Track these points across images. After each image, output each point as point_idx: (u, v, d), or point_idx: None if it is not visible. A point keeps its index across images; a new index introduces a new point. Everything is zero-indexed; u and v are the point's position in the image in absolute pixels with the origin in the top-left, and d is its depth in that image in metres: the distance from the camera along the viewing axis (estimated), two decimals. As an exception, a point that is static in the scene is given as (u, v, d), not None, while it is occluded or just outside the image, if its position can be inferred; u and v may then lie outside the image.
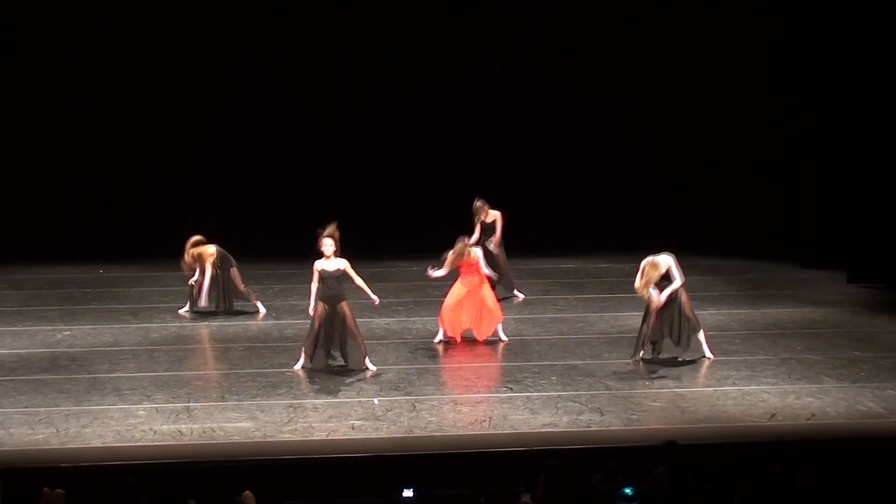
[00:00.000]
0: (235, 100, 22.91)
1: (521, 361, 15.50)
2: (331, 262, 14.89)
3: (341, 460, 12.11)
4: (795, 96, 21.63)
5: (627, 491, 9.63)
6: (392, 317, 17.64)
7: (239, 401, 13.90)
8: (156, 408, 13.63)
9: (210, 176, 22.82)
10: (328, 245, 14.85)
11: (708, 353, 15.44)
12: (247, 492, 10.19)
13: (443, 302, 16.30)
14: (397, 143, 23.20)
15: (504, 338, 16.31)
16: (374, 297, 15.15)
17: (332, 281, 14.88)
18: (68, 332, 17.08)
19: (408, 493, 10.11)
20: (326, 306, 14.90)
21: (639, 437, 12.57)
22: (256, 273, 20.33)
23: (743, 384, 14.45)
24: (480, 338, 16.25)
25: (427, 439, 12.72)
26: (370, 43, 23.16)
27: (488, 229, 18.64)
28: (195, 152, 23.06)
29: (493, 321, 16.31)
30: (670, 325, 15.26)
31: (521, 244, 19.94)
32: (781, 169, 22.08)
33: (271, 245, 21.66)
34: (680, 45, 22.82)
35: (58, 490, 10.12)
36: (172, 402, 13.78)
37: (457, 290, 16.22)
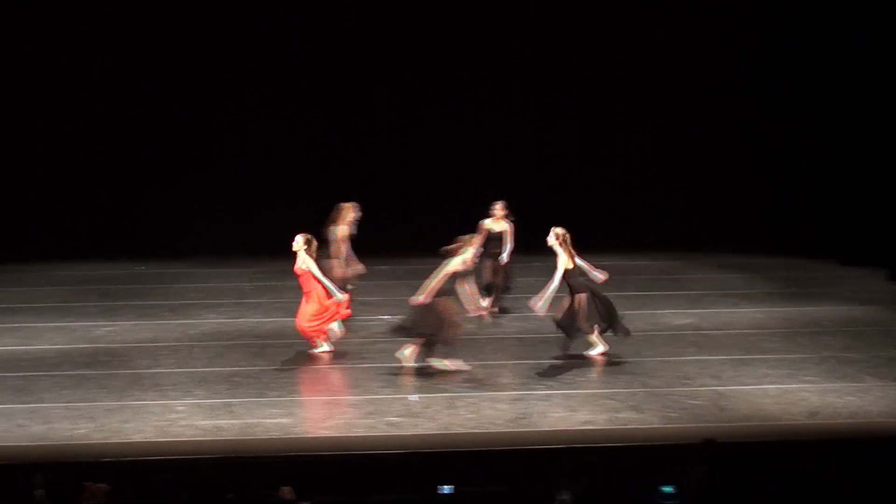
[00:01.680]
0: (267, 96, 23.01)
1: (559, 359, 15.49)
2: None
3: (379, 456, 12.14)
4: (830, 91, 21.54)
5: (667, 489, 9.62)
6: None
7: (278, 397, 13.95)
8: (196, 403, 13.70)
9: (246, 175, 22.92)
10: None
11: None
12: (285, 487, 10.24)
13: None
14: (432, 142, 23.25)
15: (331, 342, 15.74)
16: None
17: None
18: (109, 328, 17.18)
19: (446, 489, 10.12)
20: None
21: (677, 435, 12.53)
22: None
23: (782, 382, 14.40)
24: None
25: (465, 436, 12.73)
26: (398, 40, 23.23)
27: (495, 238, 17.51)
28: (235, 150, 23.15)
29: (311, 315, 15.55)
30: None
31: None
32: (821, 165, 21.98)
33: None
34: (705, 43, 22.74)
35: (100, 484, 10.19)
36: (212, 398, 13.85)
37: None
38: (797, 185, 22.38)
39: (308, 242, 15.56)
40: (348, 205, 17.16)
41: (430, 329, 14.64)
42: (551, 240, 15.25)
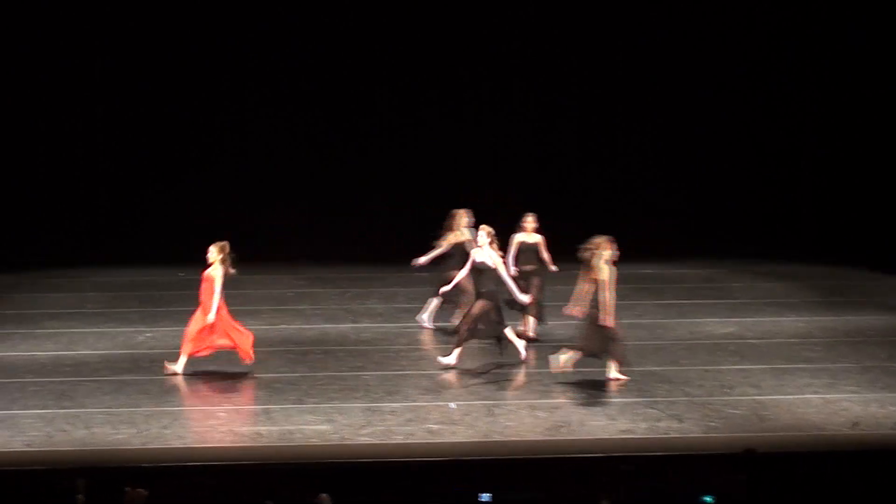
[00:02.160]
0: (308, 106, 23.10)
1: (599, 367, 15.43)
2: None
3: (418, 464, 12.14)
4: (871, 94, 21.46)
5: (707, 499, 9.58)
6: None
7: (317, 403, 13.97)
8: (235, 409, 13.74)
9: (283, 182, 23.00)
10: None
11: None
12: (323, 494, 10.25)
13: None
14: (468, 150, 23.30)
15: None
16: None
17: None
18: (149, 334, 17.26)
19: (485, 497, 10.10)
20: None
21: (718, 444, 12.48)
22: (335, 277, 20.47)
23: (824, 392, 14.30)
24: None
25: (504, 444, 12.72)
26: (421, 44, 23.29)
27: (527, 251, 16.61)
28: (272, 160, 23.24)
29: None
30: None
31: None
32: (867, 174, 21.87)
33: (350, 249, 21.76)
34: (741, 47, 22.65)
35: (139, 489, 10.23)
36: (252, 404, 13.88)
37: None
38: (844, 194, 22.27)
39: (222, 251, 15.19)
40: (461, 211, 16.76)
41: (600, 347, 14.62)
42: (482, 239, 15.07)
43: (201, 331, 14.89)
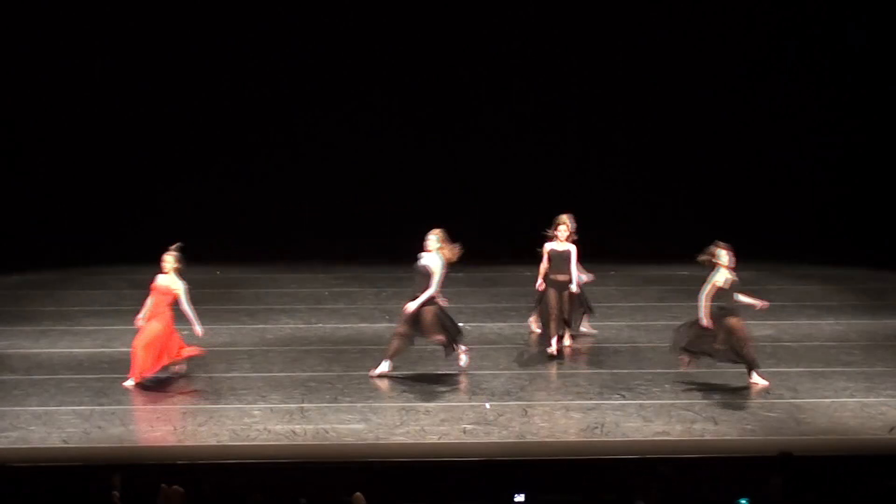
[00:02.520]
0: (348, 105, 23.15)
1: (634, 368, 15.41)
2: None
3: (452, 464, 12.14)
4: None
5: (743, 502, 9.55)
6: (505, 321, 17.63)
7: (352, 402, 14.00)
8: (270, 408, 13.78)
9: (321, 181, 23.04)
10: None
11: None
12: (357, 493, 10.27)
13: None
14: (506, 146, 23.26)
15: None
16: None
17: None
18: (185, 332, 17.29)
19: (520, 498, 10.10)
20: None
21: (754, 447, 12.44)
22: (370, 276, 20.50)
23: (862, 396, 14.22)
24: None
25: (539, 445, 12.72)
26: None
27: (557, 259, 15.71)
28: (311, 159, 23.29)
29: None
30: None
31: (637, 251, 19.86)
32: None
33: (384, 248, 21.77)
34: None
35: (175, 487, 10.28)
36: (287, 403, 13.93)
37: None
38: (881, 196, 22.13)
39: (179, 261, 14.94)
40: (564, 216, 15.91)
41: (726, 349, 14.50)
42: (433, 244, 14.66)
43: (162, 343, 14.52)
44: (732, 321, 14.48)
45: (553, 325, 15.56)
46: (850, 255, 22.00)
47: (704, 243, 22.44)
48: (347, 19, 23.23)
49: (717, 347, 14.46)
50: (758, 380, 14.54)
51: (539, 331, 16.28)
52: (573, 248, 15.64)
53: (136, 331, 14.61)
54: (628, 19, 23.32)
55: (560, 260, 15.59)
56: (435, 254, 14.71)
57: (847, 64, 22.66)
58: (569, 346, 16.09)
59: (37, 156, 22.82)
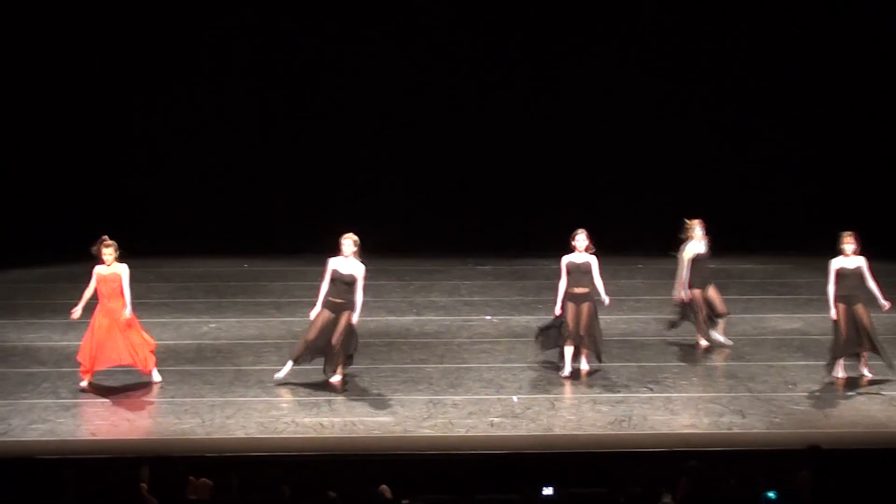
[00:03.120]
0: (382, 96, 23.15)
1: (661, 362, 15.38)
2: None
3: (479, 457, 12.15)
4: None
5: (771, 495, 9.52)
6: (532, 314, 17.60)
7: (379, 395, 14.02)
8: (298, 400, 13.82)
9: (349, 175, 23.07)
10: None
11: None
12: (383, 486, 10.28)
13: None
14: (539, 139, 23.22)
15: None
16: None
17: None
18: (214, 325, 17.39)
19: (548, 491, 10.09)
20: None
21: (781, 440, 12.41)
22: (398, 269, 20.51)
23: (890, 389, 14.16)
24: (142, 367, 14.33)
25: (566, 438, 12.71)
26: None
27: (575, 272, 14.74)
28: (339, 151, 23.30)
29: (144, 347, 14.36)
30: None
31: (663, 244, 19.76)
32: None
33: (413, 242, 21.81)
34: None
35: (204, 479, 10.31)
36: (314, 395, 13.95)
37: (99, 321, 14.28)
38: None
39: (117, 249, 14.50)
40: (695, 221, 15.67)
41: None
42: (349, 248, 14.27)
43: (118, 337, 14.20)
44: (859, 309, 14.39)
45: (565, 345, 14.68)
46: (877, 248, 21.84)
47: (732, 237, 22.52)
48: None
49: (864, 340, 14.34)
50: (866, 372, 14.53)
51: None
52: (594, 260, 14.75)
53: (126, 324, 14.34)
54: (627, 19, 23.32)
55: (579, 272, 14.71)
56: (353, 259, 14.26)
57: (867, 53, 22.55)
58: (586, 370, 14.86)
59: (63, 150, 22.87)
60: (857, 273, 14.41)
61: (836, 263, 14.50)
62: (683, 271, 15.58)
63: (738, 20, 23.12)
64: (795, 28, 22.96)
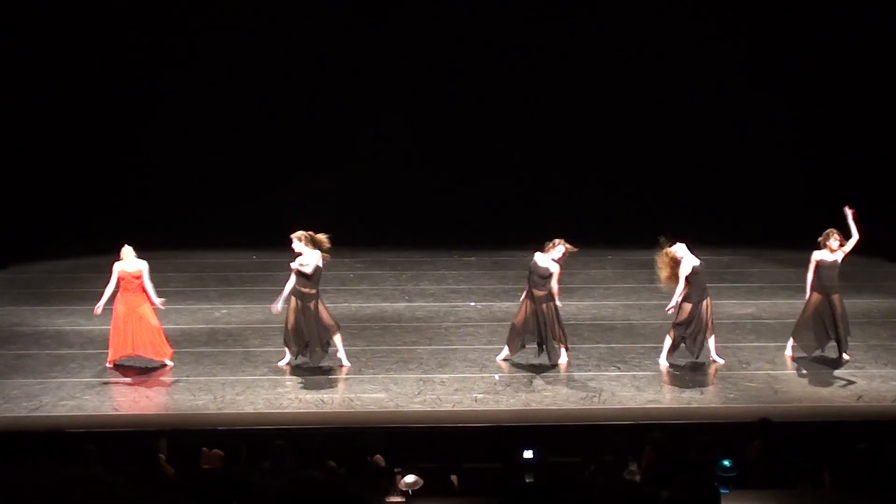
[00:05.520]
0: (376, 100, 23.05)
1: (628, 343, 15.39)
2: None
3: (465, 429, 12.16)
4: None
5: (726, 463, 9.53)
6: (512, 301, 17.56)
7: (374, 374, 14.01)
8: (301, 379, 13.79)
9: (350, 169, 22.98)
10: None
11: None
12: (378, 455, 10.27)
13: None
14: (515, 142, 23.16)
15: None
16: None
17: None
18: (225, 311, 17.35)
19: (528, 454, 10.06)
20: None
21: (736, 414, 12.43)
22: (391, 260, 20.48)
23: (832, 368, 14.18)
24: (156, 356, 14.21)
25: (543, 412, 12.71)
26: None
27: (534, 272, 14.21)
28: (350, 152, 23.19)
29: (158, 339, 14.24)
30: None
31: (631, 237, 19.77)
32: (871, 167, 21.62)
33: (406, 234, 21.75)
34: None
35: (216, 450, 10.29)
36: (316, 375, 13.93)
37: (119, 309, 14.16)
38: (852, 186, 21.98)
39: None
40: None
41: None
42: (297, 245, 14.00)
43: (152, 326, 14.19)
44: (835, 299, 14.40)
45: (516, 340, 14.29)
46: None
47: (694, 230, 22.44)
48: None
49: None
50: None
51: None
52: (555, 269, 14.02)
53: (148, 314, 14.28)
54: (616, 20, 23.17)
55: (536, 275, 14.09)
56: (309, 254, 14.03)
57: (826, 55, 22.45)
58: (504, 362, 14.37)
59: (92, 144, 22.72)
60: (835, 265, 14.39)
61: (818, 255, 14.47)
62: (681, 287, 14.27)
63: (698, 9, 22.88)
64: (750, 21, 22.77)
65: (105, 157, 22.69)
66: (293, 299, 14.09)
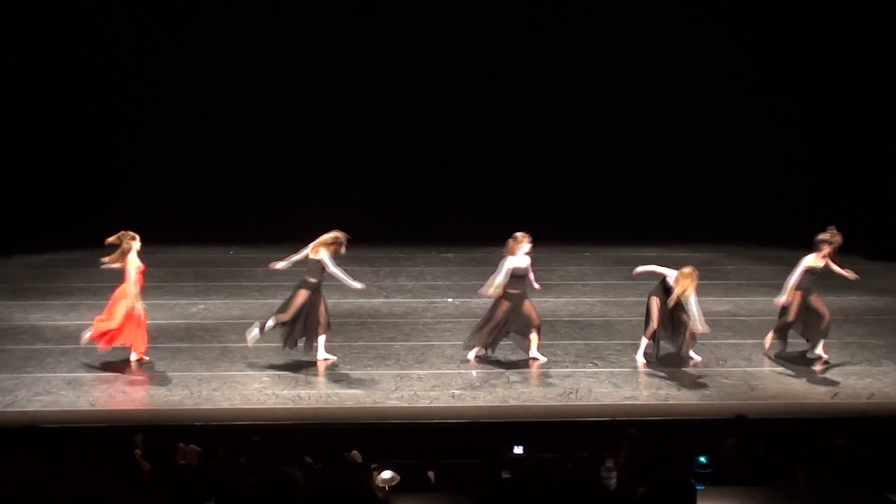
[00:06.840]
0: (377, 101, 23.06)
1: (605, 340, 15.43)
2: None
3: (442, 425, 12.16)
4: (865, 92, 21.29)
5: (702, 459, 9.56)
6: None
7: (352, 370, 14.00)
8: (278, 374, 13.78)
9: (334, 167, 22.99)
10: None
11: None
12: (354, 451, 10.27)
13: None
14: (495, 142, 23.19)
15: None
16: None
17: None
18: (202, 306, 17.32)
19: (518, 450, 10.06)
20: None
21: (712, 411, 12.46)
22: (369, 256, 20.46)
23: (808, 365, 14.25)
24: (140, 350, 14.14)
25: (520, 408, 12.73)
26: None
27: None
28: (329, 149, 23.19)
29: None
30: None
31: (609, 234, 19.85)
32: (848, 165, 21.73)
33: (384, 230, 21.76)
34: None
35: (192, 445, 10.28)
36: (293, 371, 13.91)
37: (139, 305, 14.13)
38: (828, 185, 22.11)
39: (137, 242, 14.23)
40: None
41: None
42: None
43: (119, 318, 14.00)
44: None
45: (485, 334, 14.24)
46: (800, 239, 21.97)
47: (671, 228, 22.58)
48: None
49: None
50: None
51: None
52: (527, 261, 14.12)
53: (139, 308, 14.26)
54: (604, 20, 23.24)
55: (515, 276, 14.11)
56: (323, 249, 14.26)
57: (812, 52, 22.55)
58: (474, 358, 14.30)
59: (66, 145, 22.68)
60: (824, 270, 14.40)
61: (809, 262, 14.33)
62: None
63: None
64: (725, 21, 22.86)
65: (82, 152, 22.63)
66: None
